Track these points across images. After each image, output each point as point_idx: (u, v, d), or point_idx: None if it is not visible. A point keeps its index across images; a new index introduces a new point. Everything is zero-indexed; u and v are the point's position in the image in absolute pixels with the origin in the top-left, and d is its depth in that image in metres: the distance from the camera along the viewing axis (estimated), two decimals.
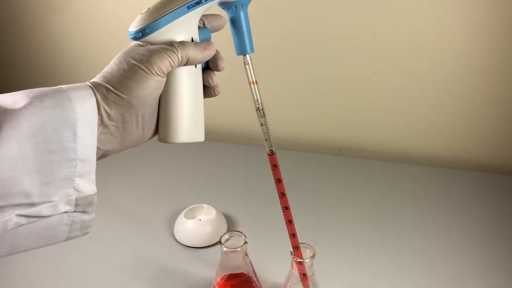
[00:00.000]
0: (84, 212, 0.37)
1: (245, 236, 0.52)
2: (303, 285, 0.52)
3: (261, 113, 0.45)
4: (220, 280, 0.54)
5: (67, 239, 0.37)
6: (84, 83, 0.37)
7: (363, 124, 0.97)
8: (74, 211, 0.36)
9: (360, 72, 0.91)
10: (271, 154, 0.47)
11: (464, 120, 0.90)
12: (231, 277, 0.54)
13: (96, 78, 0.38)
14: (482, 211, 0.77)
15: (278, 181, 0.47)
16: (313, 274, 0.53)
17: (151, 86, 0.37)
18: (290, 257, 0.52)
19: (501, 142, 0.91)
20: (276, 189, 0.48)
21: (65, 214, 0.35)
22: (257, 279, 0.54)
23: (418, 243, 0.69)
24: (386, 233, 0.71)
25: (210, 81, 0.43)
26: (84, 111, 0.35)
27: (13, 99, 0.33)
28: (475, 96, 0.87)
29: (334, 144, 1.00)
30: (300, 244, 0.51)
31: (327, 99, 0.96)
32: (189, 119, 0.41)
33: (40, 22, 1.12)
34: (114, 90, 0.36)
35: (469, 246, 0.68)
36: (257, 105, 0.45)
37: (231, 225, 0.73)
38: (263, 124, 0.45)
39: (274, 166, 0.47)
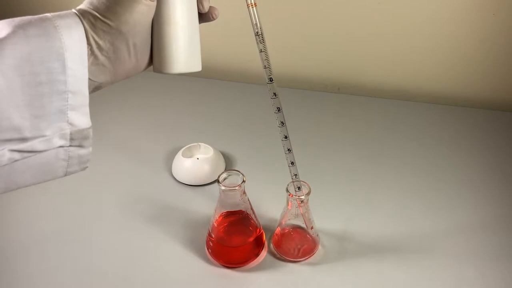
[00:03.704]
0: (80, 146, 0.36)
1: (243, 175, 0.52)
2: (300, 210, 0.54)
3: (260, 39, 0.43)
4: (219, 217, 0.55)
5: (65, 175, 0.37)
6: (70, 11, 0.34)
7: (363, 61, 0.94)
8: (70, 146, 0.35)
9: (361, 8, 0.87)
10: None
11: (466, 56, 0.88)
12: (229, 214, 0.55)
13: (83, 5, 0.35)
14: (481, 149, 0.77)
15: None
16: (308, 210, 0.54)
17: (140, 11, 0.36)
18: (286, 194, 0.52)
19: (503, 79, 0.89)
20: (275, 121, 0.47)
21: (61, 149, 0.35)
22: (255, 216, 0.56)
23: (415, 179, 0.70)
24: (384, 170, 0.72)
25: (201, 7, 0.40)
26: (71, 40, 0.33)
27: None
28: (480, 31, 0.84)
29: (334, 81, 0.99)
30: (295, 181, 0.52)
31: (327, 35, 0.93)
32: (184, 46, 0.39)
33: None
34: (102, 17, 0.34)
35: (467, 182, 0.69)
36: (256, 30, 0.42)
37: (229, 164, 0.74)
38: (262, 50, 0.43)
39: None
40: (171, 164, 0.72)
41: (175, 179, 0.70)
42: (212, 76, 1.00)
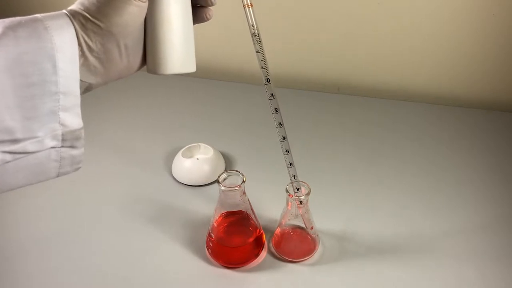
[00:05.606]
0: (72, 147, 0.36)
1: (243, 175, 0.52)
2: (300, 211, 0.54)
3: (257, 39, 0.43)
4: (219, 218, 0.55)
5: (58, 175, 0.37)
6: (60, 12, 0.34)
7: (362, 61, 0.94)
8: (62, 146, 0.35)
9: (361, 8, 0.87)
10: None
11: (466, 56, 0.88)
12: (229, 214, 0.55)
13: (74, 6, 0.35)
14: (481, 149, 0.77)
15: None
16: (307, 211, 0.54)
17: (131, 12, 0.35)
18: (286, 195, 0.52)
19: (503, 79, 0.89)
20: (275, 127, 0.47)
21: (53, 150, 0.35)
22: (255, 216, 0.56)
23: (415, 179, 0.70)
24: (384, 170, 0.72)
25: (206, 16, 0.40)
26: (62, 41, 0.33)
27: None
28: (480, 31, 0.84)
29: (333, 82, 0.99)
30: (294, 182, 0.52)
31: (326, 35, 0.93)
32: (178, 47, 0.39)
33: None
34: (92, 18, 0.34)
35: (467, 182, 0.69)
36: (253, 30, 0.42)
37: (228, 164, 0.74)
38: (259, 51, 0.43)
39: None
40: (171, 164, 0.72)
41: (175, 179, 0.70)
42: (211, 77, 1.00)
